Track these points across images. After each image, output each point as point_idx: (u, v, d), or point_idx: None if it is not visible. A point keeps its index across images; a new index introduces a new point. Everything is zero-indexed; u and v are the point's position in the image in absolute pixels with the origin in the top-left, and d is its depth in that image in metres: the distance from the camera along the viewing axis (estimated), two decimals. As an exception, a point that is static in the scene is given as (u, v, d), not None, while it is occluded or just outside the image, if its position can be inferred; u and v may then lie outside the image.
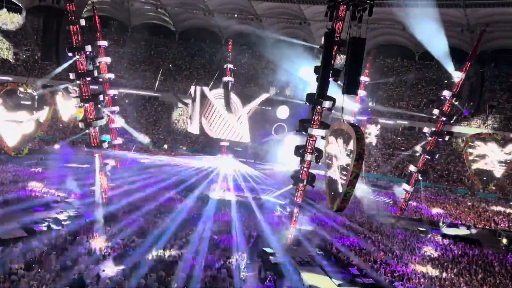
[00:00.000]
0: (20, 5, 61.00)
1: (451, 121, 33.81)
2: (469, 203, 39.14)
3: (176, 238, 23.89)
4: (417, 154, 33.65)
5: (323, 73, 21.16)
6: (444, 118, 31.45)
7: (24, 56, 57.66)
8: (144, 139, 45.76)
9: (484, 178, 41.26)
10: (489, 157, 40.97)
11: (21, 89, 35.07)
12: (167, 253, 21.22)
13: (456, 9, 50.38)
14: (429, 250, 25.53)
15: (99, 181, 27.65)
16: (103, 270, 18.78)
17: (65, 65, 28.45)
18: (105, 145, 28.13)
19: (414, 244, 26.46)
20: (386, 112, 53.72)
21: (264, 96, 50.76)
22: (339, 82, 21.70)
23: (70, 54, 25.57)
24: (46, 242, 20.70)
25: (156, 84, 60.45)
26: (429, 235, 28.84)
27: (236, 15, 62.28)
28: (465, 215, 34.91)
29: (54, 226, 23.70)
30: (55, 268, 17.83)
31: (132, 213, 26.97)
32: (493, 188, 42.23)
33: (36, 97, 35.85)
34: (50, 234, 21.98)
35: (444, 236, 29.04)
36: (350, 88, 19.63)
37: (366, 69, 44.88)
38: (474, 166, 41.64)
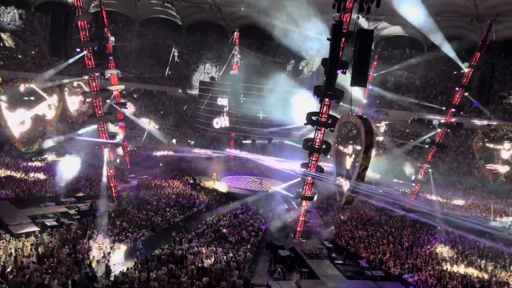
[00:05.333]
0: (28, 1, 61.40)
1: (461, 113, 33.55)
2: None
3: (186, 231, 24.08)
4: (427, 146, 33.49)
5: (331, 66, 21.04)
6: (453, 110, 31.22)
7: (33, 52, 57.99)
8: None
9: (496, 167, 40.77)
10: (499, 149, 40.49)
11: (30, 85, 35.32)
12: (177, 246, 21.36)
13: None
14: (439, 243, 25.43)
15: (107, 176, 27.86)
16: (114, 264, 18.98)
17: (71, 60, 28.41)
18: (116, 139, 28.36)
19: (424, 237, 26.36)
20: (395, 104, 53.31)
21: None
22: (347, 74, 21.59)
23: (78, 50, 25.69)
24: (57, 237, 20.96)
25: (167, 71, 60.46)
26: (439, 227, 28.68)
27: (242, 8, 62.05)
28: (475, 208, 34.72)
29: (65, 220, 23.99)
30: (67, 262, 18.04)
31: (141, 207, 27.26)
32: (504, 180, 41.78)
33: (45, 93, 36.15)
34: (61, 229, 22.23)
35: (454, 228, 28.86)
36: (358, 80, 19.56)
37: (375, 61, 44.51)
38: (484, 157, 41.21)
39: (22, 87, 34.65)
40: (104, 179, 27.66)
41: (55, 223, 23.27)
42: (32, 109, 35.58)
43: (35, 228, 22.15)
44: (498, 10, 43.86)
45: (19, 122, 34.85)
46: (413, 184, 34.19)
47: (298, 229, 25.70)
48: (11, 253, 18.47)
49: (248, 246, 22.67)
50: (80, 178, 31.88)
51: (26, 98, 34.98)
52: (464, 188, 42.34)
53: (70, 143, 35.08)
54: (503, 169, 39.21)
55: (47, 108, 36.80)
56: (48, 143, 35.85)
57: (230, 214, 27.98)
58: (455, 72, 51.01)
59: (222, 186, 36.73)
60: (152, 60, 62.71)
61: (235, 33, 48.30)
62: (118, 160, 29.37)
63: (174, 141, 53.83)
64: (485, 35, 30.81)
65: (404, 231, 27.27)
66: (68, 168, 30.79)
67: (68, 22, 24.78)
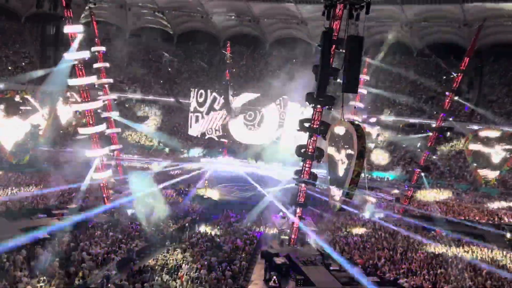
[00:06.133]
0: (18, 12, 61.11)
1: (451, 117, 33.89)
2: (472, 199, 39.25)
3: (180, 241, 23.95)
4: (419, 151, 33.75)
5: (322, 72, 21.17)
6: (443, 114, 31.52)
7: (23, 63, 57.65)
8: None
9: (486, 173, 41.13)
10: (490, 152, 40.85)
11: (20, 96, 35.09)
12: (171, 257, 21.21)
13: (453, 5, 50.43)
14: (433, 247, 25.50)
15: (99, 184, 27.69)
16: (107, 275, 18.78)
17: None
18: (107, 150, 28.22)
19: (418, 241, 26.41)
20: (386, 109, 53.68)
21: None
22: (338, 80, 21.72)
23: (69, 60, 25.62)
24: (49, 249, 20.71)
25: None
26: (433, 232, 28.78)
27: (233, 17, 62.45)
28: (468, 211, 34.90)
29: (57, 232, 23.70)
30: (59, 275, 17.81)
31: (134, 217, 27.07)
32: (495, 183, 42.14)
33: (36, 104, 35.91)
34: (53, 241, 21.98)
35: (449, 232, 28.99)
36: (350, 87, 19.67)
37: (365, 68, 44.87)
38: (476, 161, 41.55)
39: (12, 98, 34.40)
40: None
41: (47, 236, 22.99)
42: (26, 119, 35.27)
43: (27, 241, 21.83)
44: (485, 15, 44.58)
45: (11, 133, 34.52)
46: (406, 189, 34.38)
47: (293, 236, 25.63)
48: (3, 266, 18.20)
49: (243, 255, 22.58)
50: (72, 190, 31.59)
51: (16, 110, 34.70)
52: (457, 191, 42.61)
53: (62, 155, 34.87)
54: (493, 173, 39.51)
55: (41, 119, 36.55)
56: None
57: (224, 223, 27.87)
58: (444, 77, 51.67)
59: (214, 193, 36.63)
60: (144, 69, 62.63)
61: (228, 47, 48.61)
62: (110, 171, 29.15)
63: (167, 150, 53.73)
64: (473, 39, 31.23)
65: (399, 236, 27.31)
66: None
67: (58, 33, 24.75)
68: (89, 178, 27.89)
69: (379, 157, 48.72)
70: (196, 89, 54.82)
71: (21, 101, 34.71)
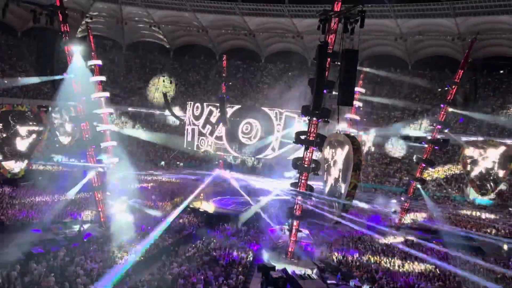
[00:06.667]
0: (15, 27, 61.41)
1: (447, 129, 34.08)
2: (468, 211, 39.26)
3: (176, 255, 23.74)
4: (415, 163, 33.81)
5: (317, 86, 21.30)
6: (439, 126, 31.71)
7: (20, 77, 57.67)
8: None
9: (482, 185, 41.21)
10: (486, 164, 40.98)
11: (17, 110, 34.93)
12: (167, 271, 21.01)
13: (447, 19, 51.15)
14: (431, 260, 25.37)
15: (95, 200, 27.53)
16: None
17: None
18: (103, 163, 28.17)
19: (415, 254, 26.28)
20: (381, 122, 53.92)
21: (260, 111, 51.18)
22: (334, 93, 21.86)
23: (65, 75, 25.65)
24: (44, 264, 20.48)
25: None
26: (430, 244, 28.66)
27: (229, 31, 62.98)
28: (465, 222, 34.88)
29: (52, 248, 23.48)
30: (54, 290, 17.60)
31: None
32: (492, 195, 42.18)
33: (32, 117, 35.72)
34: (48, 256, 21.75)
35: (446, 244, 28.91)
36: (345, 99, 19.79)
37: (360, 80, 45.15)
38: (472, 173, 41.65)
39: (8, 112, 34.19)
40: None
41: (41, 250, 22.75)
42: (18, 133, 35.05)
43: (21, 256, 21.61)
44: (478, 29, 45.28)
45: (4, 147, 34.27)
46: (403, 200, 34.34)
47: (290, 249, 25.49)
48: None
49: (240, 269, 22.40)
50: (67, 204, 31.37)
51: (13, 123, 34.47)
52: (453, 203, 42.65)
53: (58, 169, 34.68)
54: (489, 185, 39.61)
55: (34, 133, 36.33)
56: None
57: (220, 236, 27.70)
58: (439, 89, 52.14)
59: (209, 206, 36.46)
60: (140, 82, 62.84)
61: (224, 61, 48.95)
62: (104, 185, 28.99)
63: (163, 163, 53.64)
64: (467, 52, 31.58)
65: (396, 249, 27.20)
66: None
67: (55, 48, 24.83)
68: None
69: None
70: (192, 103, 55.04)
71: (16, 115, 34.47)
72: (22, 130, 34.20)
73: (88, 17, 49.59)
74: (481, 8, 48.14)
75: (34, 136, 35.30)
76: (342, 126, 37.12)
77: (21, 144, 34.20)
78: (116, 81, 60.05)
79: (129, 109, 59.41)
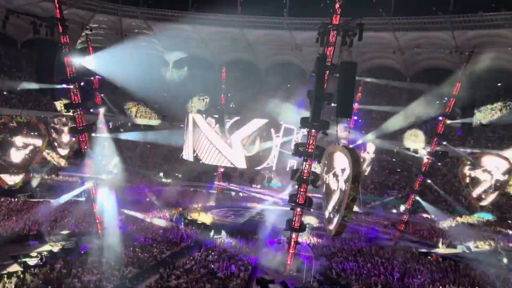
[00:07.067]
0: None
1: (445, 142, 34.15)
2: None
3: (173, 267, 23.54)
4: (414, 175, 33.80)
5: (316, 97, 21.41)
6: (437, 139, 31.78)
7: (18, 89, 57.79)
8: None
9: (481, 197, 41.10)
10: (485, 177, 40.92)
11: (15, 121, 34.92)
12: (164, 283, 20.81)
13: (444, 32, 51.62)
14: (429, 272, 25.21)
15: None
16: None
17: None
18: (104, 176, 28.18)
19: (415, 267, 26.13)
20: (380, 134, 53.94)
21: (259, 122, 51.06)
22: (333, 104, 21.93)
23: (64, 86, 25.72)
24: (40, 276, 20.29)
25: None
26: (429, 257, 28.53)
27: (228, 43, 63.32)
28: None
29: (48, 259, 23.29)
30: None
31: (127, 243, 26.65)
32: (491, 207, 42.07)
33: (30, 128, 35.72)
34: (44, 268, 21.56)
35: (445, 257, 28.76)
36: (343, 112, 19.87)
37: (359, 93, 45.34)
38: (471, 185, 41.56)
39: (6, 123, 34.20)
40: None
41: (38, 262, 22.57)
42: (16, 144, 35.01)
43: (18, 268, 21.44)
44: (475, 42, 45.67)
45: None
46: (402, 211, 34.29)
47: (289, 262, 25.33)
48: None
49: (238, 281, 22.21)
50: (64, 216, 31.20)
51: (11, 134, 34.47)
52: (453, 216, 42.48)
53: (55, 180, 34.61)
54: (489, 197, 39.54)
55: (32, 144, 36.30)
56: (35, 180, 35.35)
57: (219, 249, 27.51)
58: (437, 102, 52.27)
59: (207, 218, 36.30)
60: (140, 94, 62.91)
61: (223, 72, 49.10)
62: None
63: (161, 174, 53.48)
64: (464, 65, 31.82)
65: (395, 261, 27.04)
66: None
67: (55, 59, 24.95)
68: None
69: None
70: (190, 114, 54.89)
71: (15, 126, 34.47)
72: (18, 141, 34.23)
73: (88, 29, 49.76)
74: (478, 22, 48.66)
75: (31, 147, 35.32)
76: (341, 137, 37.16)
77: (16, 156, 34.22)
78: (115, 92, 60.07)
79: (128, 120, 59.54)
